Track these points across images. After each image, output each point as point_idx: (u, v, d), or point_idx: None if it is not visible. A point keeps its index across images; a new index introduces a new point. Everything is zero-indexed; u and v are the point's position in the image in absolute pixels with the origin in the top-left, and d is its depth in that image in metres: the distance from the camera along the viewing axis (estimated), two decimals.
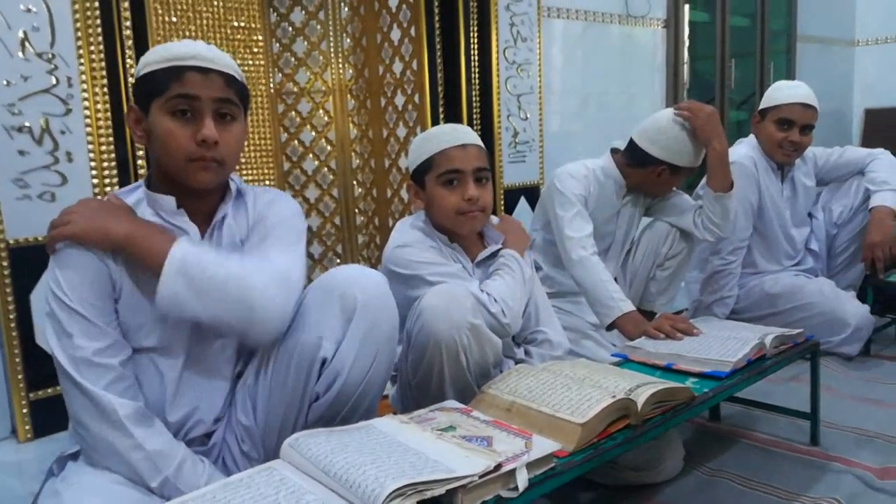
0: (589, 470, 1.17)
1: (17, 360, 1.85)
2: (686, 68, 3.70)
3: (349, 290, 1.17)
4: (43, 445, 1.88)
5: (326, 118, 2.94)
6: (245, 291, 1.12)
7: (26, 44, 1.80)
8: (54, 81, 1.84)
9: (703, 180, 2.22)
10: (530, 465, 1.04)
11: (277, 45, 2.88)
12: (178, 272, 1.09)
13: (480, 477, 0.98)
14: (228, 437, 1.24)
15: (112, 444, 1.09)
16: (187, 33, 2.63)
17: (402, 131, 2.81)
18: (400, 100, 2.78)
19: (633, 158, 2.09)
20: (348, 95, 2.96)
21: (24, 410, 1.87)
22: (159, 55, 1.16)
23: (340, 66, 2.93)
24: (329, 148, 2.96)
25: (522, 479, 1.01)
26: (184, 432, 1.19)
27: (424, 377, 1.37)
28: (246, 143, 2.67)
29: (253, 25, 2.80)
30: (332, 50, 2.91)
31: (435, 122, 2.74)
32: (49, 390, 1.90)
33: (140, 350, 1.18)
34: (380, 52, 2.83)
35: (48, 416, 1.89)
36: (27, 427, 1.88)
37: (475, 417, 1.20)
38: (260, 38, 2.83)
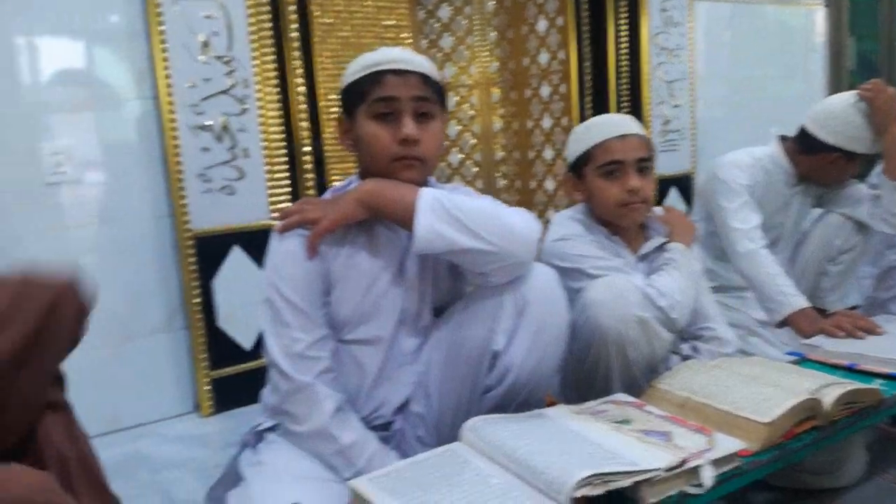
0: (773, 471, 1.12)
1: (201, 340, 2.02)
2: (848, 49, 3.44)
3: (521, 285, 1.19)
4: (223, 420, 2.04)
5: (471, 111, 2.98)
6: (502, 217, 1.17)
7: (207, 48, 1.95)
8: (232, 83, 1.99)
9: (878, 168, 2.06)
10: (715, 463, 1.01)
11: (425, 41, 2.94)
12: (431, 208, 1.15)
13: (666, 471, 0.96)
14: (405, 426, 1.29)
15: (314, 434, 1.17)
16: (342, 33, 2.74)
17: (547, 122, 2.79)
18: (545, 91, 2.77)
19: (803, 145, 1.97)
20: (493, 88, 2.98)
21: (207, 387, 2.04)
22: (359, 65, 1.24)
23: (486, 59, 2.96)
24: (473, 141, 3.00)
25: (708, 476, 0.99)
26: (369, 422, 1.25)
27: (590, 370, 1.36)
28: None
29: (402, 23, 2.88)
30: (477, 44, 2.94)
31: (582, 112, 2.71)
32: (228, 369, 2.07)
33: (344, 342, 1.25)
34: (525, 43, 2.83)
35: (228, 393, 2.06)
36: (209, 403, 2.04)
37: (649, 412, 1.18)
38: (408, 35, 2.91)
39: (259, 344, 2.10)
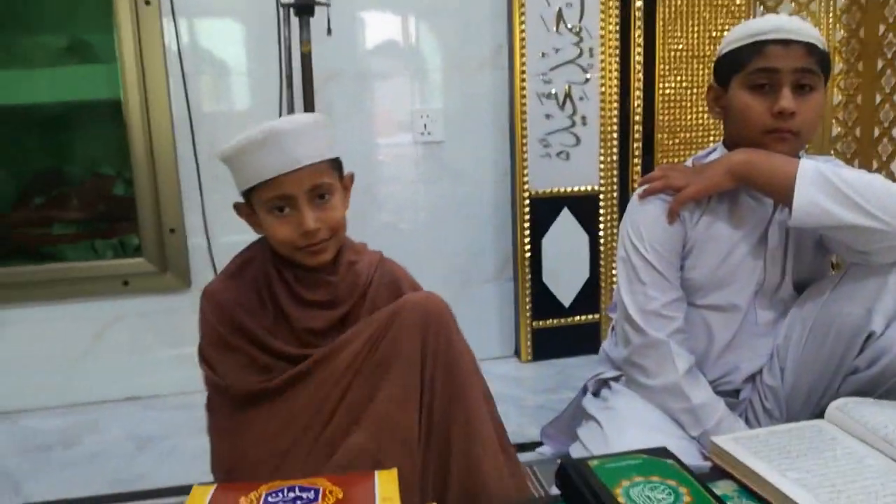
0: None
1: (527, 292, 2.19)
2: None
3: None
4: (539, 367, 2.21)
5: None
6: (892, 190, 1.10)
7: (560, 20, 2.07)
8: (579, 52, 2.09)
9: None
10: None
11: (761, 7, 2.78)
12: (812, 180, 1.11)
13: None
14: (753, 395, 1.30)
15: (664, 389, 1.23)
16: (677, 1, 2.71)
17: None
18: None
19: None
20: (836, 57, 2.73)
21: (528, 336, 2.22)
22: (741, 32, 1.23)
23: (830, 26, 2.71)
24: None
25: None
26: (714, 387, 1.28)
27: None
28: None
29: None
30: (822, 9, 2.71)
31: None
32: (547, 322, 2.22)
33: (695, 307, 1.29)
34: (883, 8, 2.54)
35: (545, 344, 2.22)
36: (528, 350, 2.22)
37: None
38: (742, 1, 2.77)
39: (575, 303, 2.23)
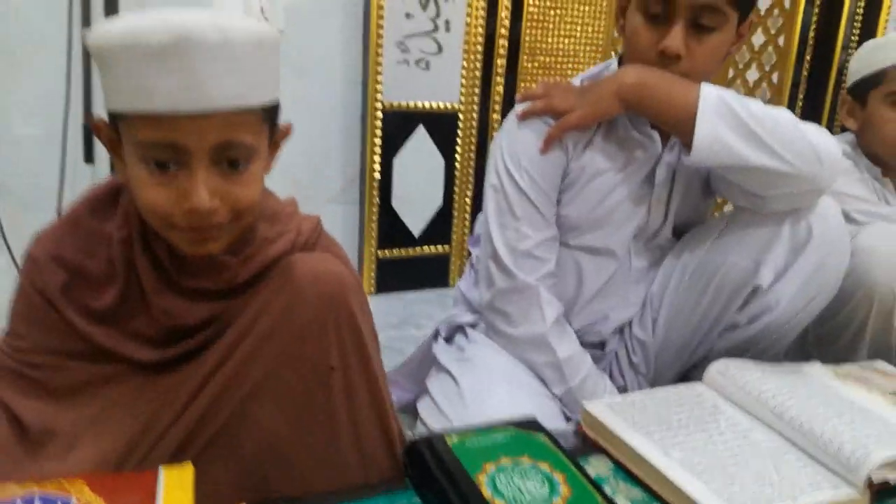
0: None
1: (374, 218, 1.96)
2: None
3: (804, 216, 1.01)
4: (384, 300, 2.00)
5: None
6: (803, 131, 0.96)
7: None
8: None
9: None
10: None
11: None
12: (717, 111, 0.95)
13: None
14: (619, 348, 1.18)
15: (528, 340, 1.07)
16: None
17: (758, 39, 2.46)
18: (764, 2, 2.42)
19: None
20: None
21: (372, 266, 2.00)
22: None
23: None
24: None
25: None
26: (579, 335, 1.14)
27: (836, 328, 1.19)
28: None
29: None
30: None
31: None
32: (394, 251, 2.01)
33: (567, 247, 1.12)
34: None
35: (390, 275, 2.02)
36: (372, 281, 2.01)
37: None
38: None
39: (426, 232, 2.04)
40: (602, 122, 1.08)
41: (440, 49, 1.89)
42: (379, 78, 1.84)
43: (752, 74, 2.49)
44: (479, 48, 1.96)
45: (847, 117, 1.34)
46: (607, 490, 0.78)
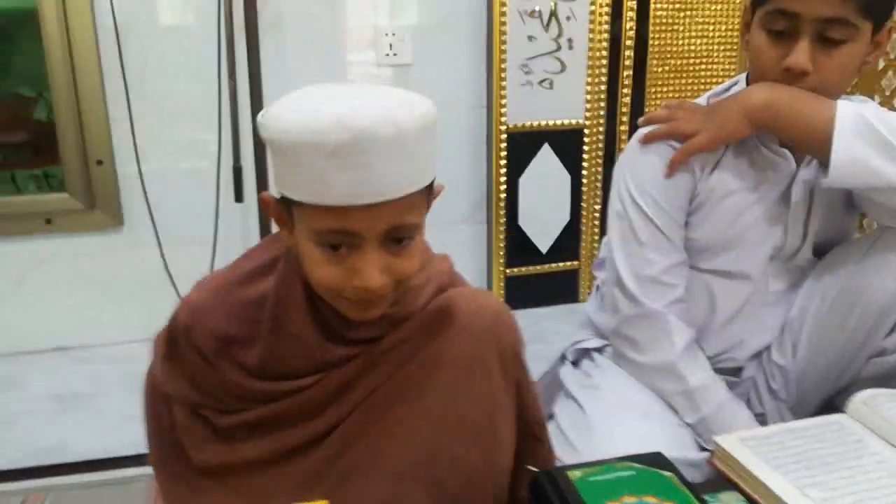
0: None
1: (501, 236, 1.99)
2: None
3: None
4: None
5: None
6: None
7: None
8: None
9: None
10: None
11: None
12: (855, 129, 0.91)
13: None
14: (757, 374, 1.13)
15: (657, 368, 1.06)
16: None
17: None
18: None
19: None
20: None
21: (501, 283, 2.03)
22: None
23: None
24: None
25: None
26: (713, 363, 1.11)
27: None
28: None
29: None
30: None
31: None
32: (522, 269, 2.04)
33: (698, 271, 1.10)
34: None
35: (519, 292, 2.04)
36: (501, 298, 2.04)
37: None
38: None
39: (554, 248, 2.04)
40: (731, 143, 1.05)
41: (563, 67, 1.90)
42: (503, 101, 1.87)
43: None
44: (604, 61, 1.95)
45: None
46: None
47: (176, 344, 0.79)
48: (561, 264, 2.07)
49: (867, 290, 0.99)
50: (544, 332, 1.92)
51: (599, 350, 1.20)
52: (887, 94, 2.38)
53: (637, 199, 1.06)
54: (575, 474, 0.79)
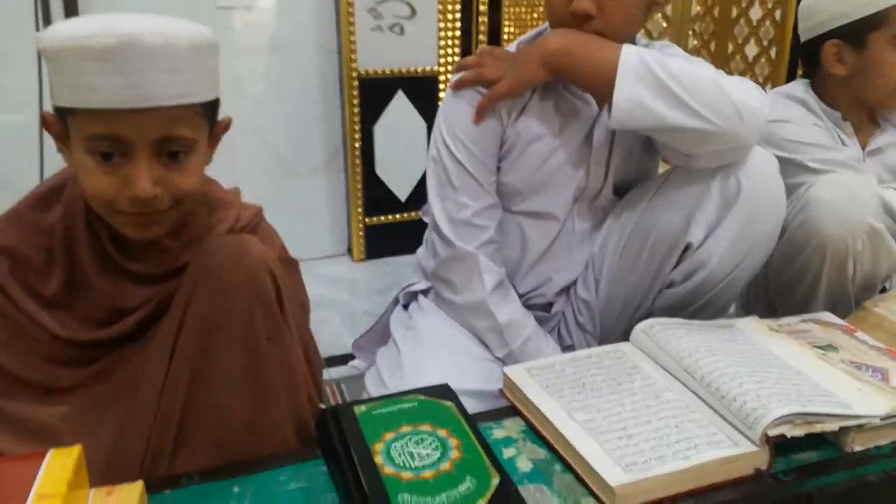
0: None
1: (359, 186, 1.98)
2: None
3: (734, 172, 0.99)
4: (373, 266, 2.05)
5: None
6: (726, 88, 0.94)
7: None
8: None
9: None
10: None
11: None
12: (636, 73, 0.94)
13: (882, 420, 0.80)
14: (566, 309, 1.19)
15: (469, 306, 1.09)
16: None
17: None
18: None
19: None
20: None
21: (360, 233, 2.03)
22: None
23: None
24: None
25: None
26: (525, 300, 1.15)
27: (793, 279, 1.17)
28: None
29: None
30: None
31: None
32: (382, 217, 2.04)
33: (510, 213, 1.13)
34: None
35: (379, 241, 2.05)
36: (361, 248, 2.04)
37: (861, 340, 0.99)
38: None
39: (413, 197, 2.05)
40: (536, 87, 1.07)
41: (414, 12, 1.88)
42: (353, 46, 1.84)
43: (751, 49, 2.44)
44: (458, 6, 1.94)
45: (835, 63, 1.28)
46: (512, 451, 0.81)
47: None
48: (419, 213, 2.08)
49: (656, 226, 1.05)
50: (401, 281, 1.90)
51: (425, 293, 1.22)
52: (739, 41, 2.51)
53: (449, 145, 1.08)
54: (360, 409, 0.81)
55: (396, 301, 1.29)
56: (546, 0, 1.03)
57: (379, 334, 1.34)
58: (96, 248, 0.81)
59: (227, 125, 0.84)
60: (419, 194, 2.06)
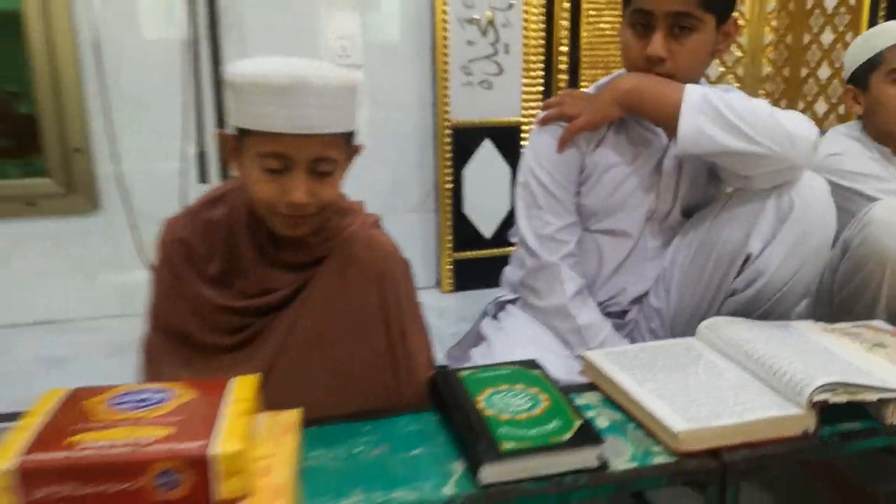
0: None
1: (448, 224, 2.19)
2: None
3: (787, 191, 1.14)
4: (460, 297, 2.23)
5: (740, 21, 2.76)
6: (777, 117, 1.11)
7: None
8: None
9: None
10: None
11: None
12: (698, 107, 1.11)
13: None
14: (639, 317, 1.34)
15: (553, 310, 1.26)
16: None
17: (827, 37, 2.52)
18: (831, 1, 2.49)
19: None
20: None
21: (449, 267, 2.23)
22: None
23: None
24: (739, 54, 2.80)
25: None
26: (603, 308, 1.31)
27: (854, 293, 1.29)
28: None
29: None
30: None
31: (872, 26, 2.40)
32: (468, 253, 2.24)
33: (589, 231, 1.31)
34: None
35: (465, 275, 2.24)
36: (449, 280, 2.24)
37: None
38: None
39: (497, 234, 2.24)
40: (612, 122, 1.26)
41: (501, 70, 2.11)
42: (446, 100, 2.08)
43: (824, 72, 2.57)
44: (540, 65, 2.16)
45: (853, 104, 1.44)
46: (592, 413, 0.95)
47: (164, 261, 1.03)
48: (504, 248, 2.26)
49: (719, 241, 1.20)
50: None
51: (513, 302, 1.40)
52: (812, 65, 2.63)
53: (536, 171, 1.27)
54: (464, 373, 0.99)
55: (485, 313, 1.46)
56: (623, 46, 1.22)
57: (469, 344, 1.51)
58: (255, 241, 1.03)
59: (359, 150, 1.05)
60: (502, 232, 2.25)
